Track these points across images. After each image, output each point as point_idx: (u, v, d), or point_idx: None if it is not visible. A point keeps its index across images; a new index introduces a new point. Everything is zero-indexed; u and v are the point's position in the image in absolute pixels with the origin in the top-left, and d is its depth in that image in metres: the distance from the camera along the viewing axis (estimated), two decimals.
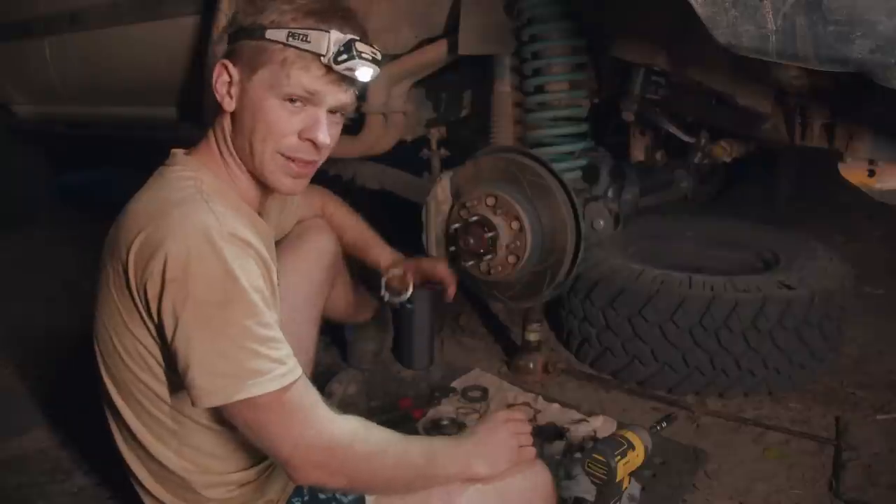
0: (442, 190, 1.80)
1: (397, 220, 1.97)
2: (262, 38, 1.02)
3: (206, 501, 1.11)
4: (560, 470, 1.41)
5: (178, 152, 1.11)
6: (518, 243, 1.67)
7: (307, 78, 1.02)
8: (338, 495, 1.09)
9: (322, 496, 1.10)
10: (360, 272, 1.86)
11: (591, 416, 1.71)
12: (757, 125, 1.71)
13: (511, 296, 1.77)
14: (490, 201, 1.69)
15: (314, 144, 1.07)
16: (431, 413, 1.74)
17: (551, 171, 1.63)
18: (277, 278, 1.09)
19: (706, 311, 1.78)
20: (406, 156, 2.19)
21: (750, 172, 2.95)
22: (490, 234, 1.68)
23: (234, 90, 1.06)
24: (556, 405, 1.78)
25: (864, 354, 2.08)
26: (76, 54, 2.69)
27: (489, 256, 1.69)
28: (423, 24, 1.88)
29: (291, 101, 1.04)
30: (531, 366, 1.96)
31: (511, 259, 1.69)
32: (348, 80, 1.05)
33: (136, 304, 0.99)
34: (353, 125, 1.97)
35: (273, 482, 1.16)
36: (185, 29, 2.16)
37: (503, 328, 2.27)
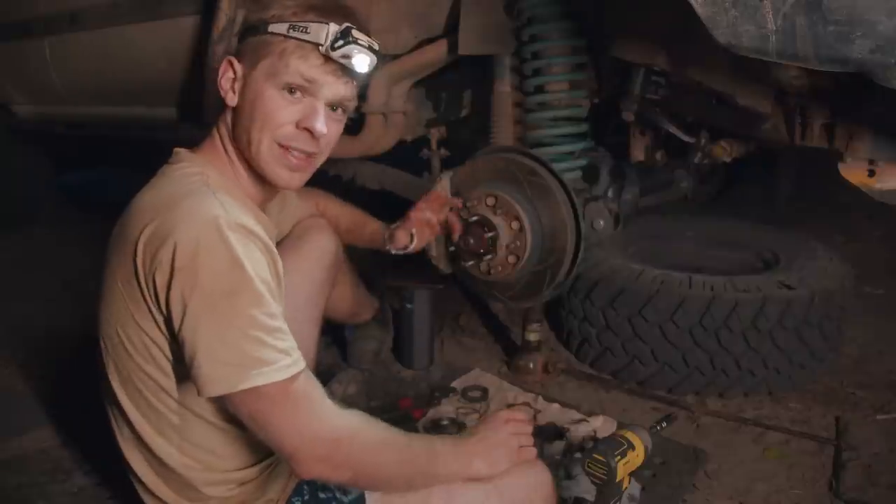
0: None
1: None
2: (265, 32, 1.04)
3: (207, 499, 1.11)
4: (560, 470, 1.41)
5: (182, 151, 1.12)
6: (518, 243, 1.67)
7: (305, 66, 1.04)
8: (338, 494, 1.09)
9: (322, 495, 1.10)
10: (361, 273, 1.86)
11: (591, 416, 1.71)
12: (757, 125, 1.70)
13: (511, 296, 1.77)
14: (490, 201, 1.69)
15: (311, 135, 1.07)
16: (431, 413, 1.74)
17: (551, 171, 1.63)
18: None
19: (706, 311, 1.78)
20: (406, 156, 2.18)
21: (750, 172, 2.95)
22: (490, 234, 1.68)
23: (237, 85, 1.08)
24: (556, 405, 1.78)
25: (864, 354, 2.08)
26: (76, 54, 2.68)
27: (489, 256, 1.69)
28: (423, 24, 1.88)
29: (290, 91, 1.05)
30: (531, 366, 1.96)
31: (511, 259, 1.69)
32: (347, 71, 1.06)
33: (143, 295, 0.99)
34: (353, 125, 1.97)
35: (274, 481, 1.15)
36: (185, 29, 2.16)
37: (503, 328, 2.27)
